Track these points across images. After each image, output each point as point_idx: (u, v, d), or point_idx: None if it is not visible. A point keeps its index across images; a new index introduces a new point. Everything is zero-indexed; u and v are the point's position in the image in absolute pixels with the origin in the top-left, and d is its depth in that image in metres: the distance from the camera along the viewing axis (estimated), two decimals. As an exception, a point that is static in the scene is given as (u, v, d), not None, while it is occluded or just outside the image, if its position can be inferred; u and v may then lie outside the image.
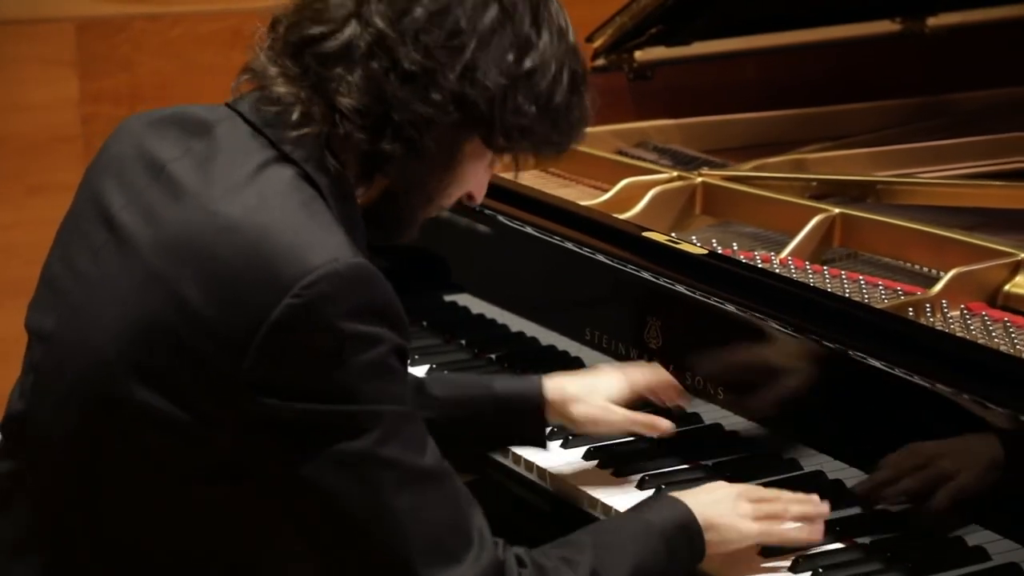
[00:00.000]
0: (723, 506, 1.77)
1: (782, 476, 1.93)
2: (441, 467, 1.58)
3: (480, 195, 1.74)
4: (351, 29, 1.58)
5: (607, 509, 1.92)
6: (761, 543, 1.79)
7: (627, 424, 2.00)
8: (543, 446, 2.03)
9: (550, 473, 2.02)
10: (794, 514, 1.80)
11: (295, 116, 1.59)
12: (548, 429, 2.04)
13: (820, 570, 1.75)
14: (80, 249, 1.65)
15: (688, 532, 1.74)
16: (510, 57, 1.60)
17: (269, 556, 1.65)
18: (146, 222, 1.60)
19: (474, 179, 1.70)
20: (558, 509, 2.00)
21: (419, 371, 2.36)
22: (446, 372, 2.16)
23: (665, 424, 1.99)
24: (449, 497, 1.57)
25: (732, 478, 1.93)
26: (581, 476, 2.01)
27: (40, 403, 1.65)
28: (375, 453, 1.53)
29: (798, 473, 1.94)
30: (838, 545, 1.81)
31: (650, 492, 1.92)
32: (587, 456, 2.04)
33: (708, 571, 1.78)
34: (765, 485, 1.88)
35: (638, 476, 1.98)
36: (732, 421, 2.03)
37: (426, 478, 1.56)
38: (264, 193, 1.56)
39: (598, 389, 2.00)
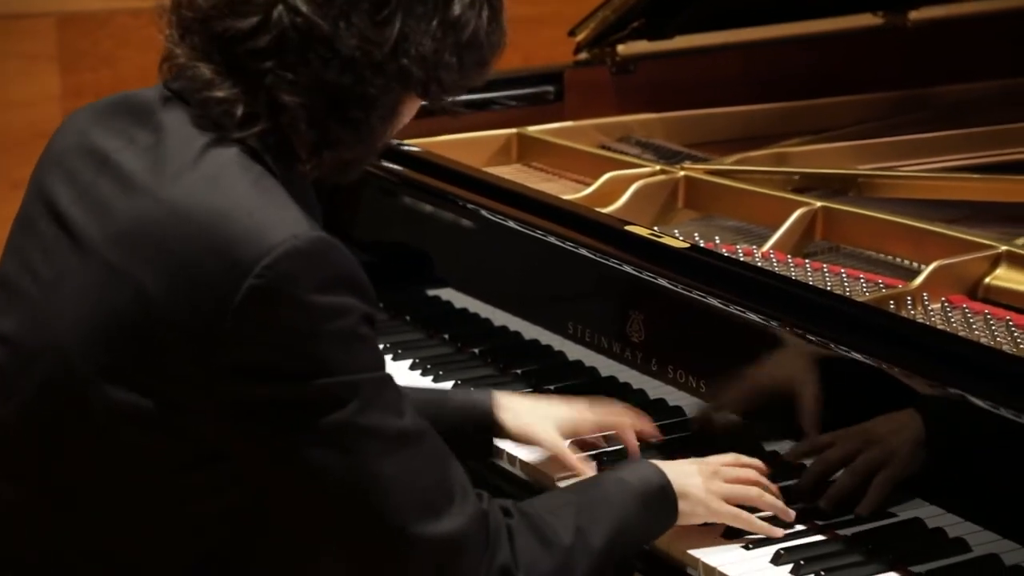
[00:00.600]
0: (696, 480, 1.81)
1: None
2: (419, 427, 1.59)
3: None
4: (278, 18, 1.54)
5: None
6: (726, 523, 1.82)
7: (553, 450, 1.97)
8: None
9: (523, 461, 2.03)
10: (765, 505, 1.83)
11: (239, 115, 1.56)
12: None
13: (802, 563, 1.76)
14: (33, 248, 1.64)
15: (664, 495, 1.77)
16: (436, 18, 1.58)
17: (259, 545, 1.65)
18: (97, 216, 1.58)
19: (410, 115, 1.69)
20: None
21: (402, 365, 2.37)
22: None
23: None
24: (429, 455, 1.59)
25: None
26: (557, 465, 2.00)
27: (6, 406, 1.63)
28: (356, 423, 1.53)
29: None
30: (819, 537, 1.82)
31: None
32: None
33: (686, 562, 1.80)
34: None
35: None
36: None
37: (407, 440, 1.57)
38: (213, 175, 1.55)
39: (544, 411, 1.99)
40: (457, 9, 1.59)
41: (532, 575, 1.61)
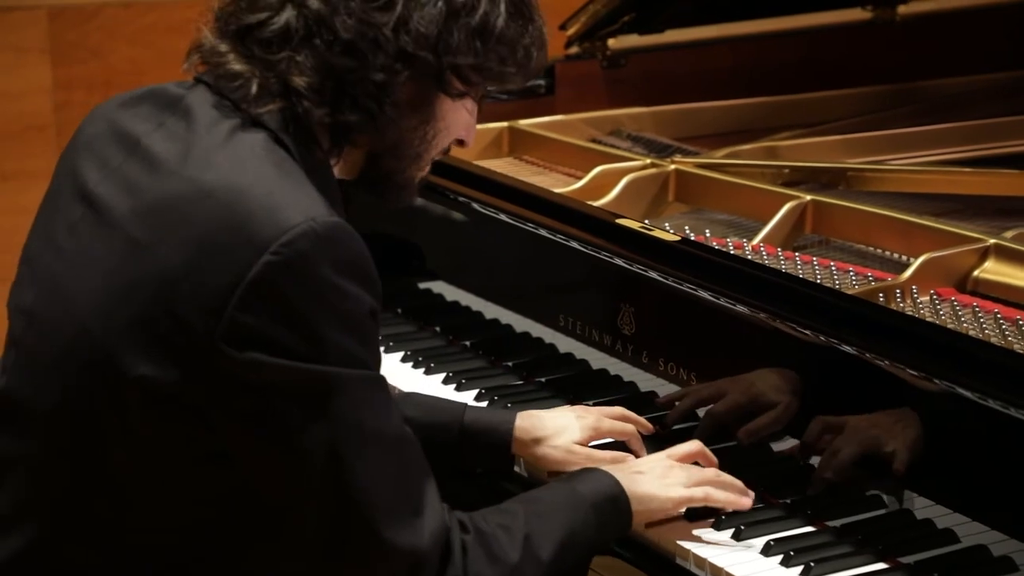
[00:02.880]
0: (651, 476, 1.82)
1: (754, 462, 1.95)
2: (403, 433, 1.61)
3: (470, 138, 1.76)
4: (287, 13, 1.62)
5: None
6: (692, 506, 1.84)
7: (589, 464, 1.94)
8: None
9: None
10: (723, 485, 1.84)
11: (254, 90, 1.62)
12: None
13: (791, 553, 1.77)
14: (57, 226, 1.67)
15: (617, 504, 1.79)
16: (439, 1, 1.62)
17: (251, 529, 1.65)
18: (124, 193, 1.62)
19: (457, 125, 1.72)
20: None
21: (393, 358, 2.37)
22: (421, 393, 2.10)
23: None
24: (409, 463, 1.61)
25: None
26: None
27: (23, 377, 1.66)
28: (344, 416, 1.55)
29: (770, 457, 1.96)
30: (809, 528, 1.83)
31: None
32: None
33: (677, 552, 1.81)
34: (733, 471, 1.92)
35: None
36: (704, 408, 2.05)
37: (390, 444, 1.59)
38: (237, 157, 1.59)
39: (567, 431, 1.97)
40: None
41: None
